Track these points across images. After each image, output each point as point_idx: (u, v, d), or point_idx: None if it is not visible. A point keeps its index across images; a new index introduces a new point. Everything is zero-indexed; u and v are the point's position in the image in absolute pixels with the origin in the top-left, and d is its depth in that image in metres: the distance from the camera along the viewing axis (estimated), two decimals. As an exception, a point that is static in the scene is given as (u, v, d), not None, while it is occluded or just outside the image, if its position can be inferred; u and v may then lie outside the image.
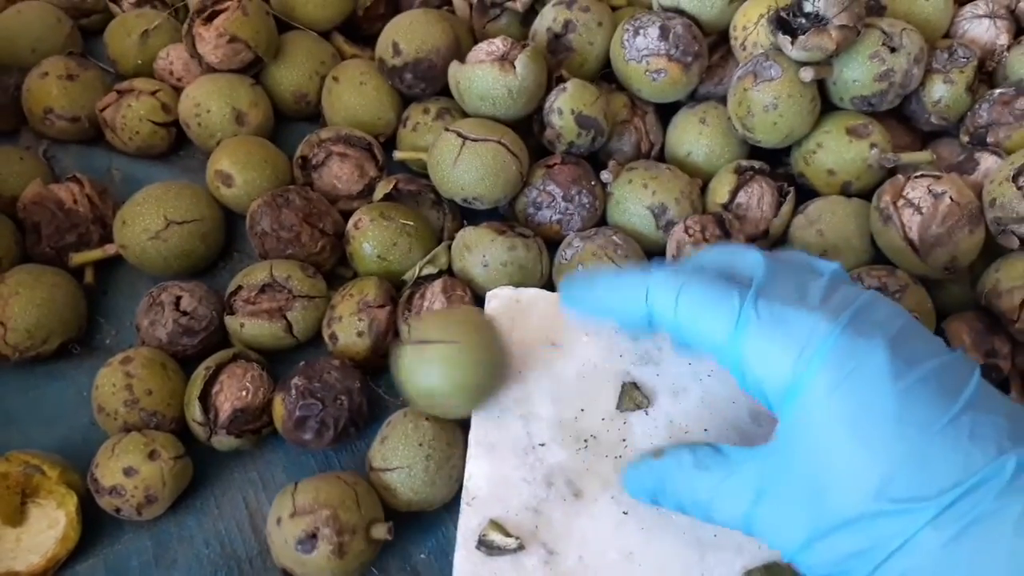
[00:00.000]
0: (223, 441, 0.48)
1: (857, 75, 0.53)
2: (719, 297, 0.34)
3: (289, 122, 0.64)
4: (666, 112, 0.60)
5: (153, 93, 0.60)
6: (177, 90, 0.61)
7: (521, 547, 0.43)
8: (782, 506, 0.33)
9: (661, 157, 0.60)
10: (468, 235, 0.54)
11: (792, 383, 0.31)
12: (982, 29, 0.58)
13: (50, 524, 0.47)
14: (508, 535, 0.43)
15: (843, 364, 0.30)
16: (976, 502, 0.29)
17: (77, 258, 0.55)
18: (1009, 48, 0.58)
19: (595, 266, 0.52)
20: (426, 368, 0.43)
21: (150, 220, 0.53)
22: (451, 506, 0.47)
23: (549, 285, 0.54)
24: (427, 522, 0.48)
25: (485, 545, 0.43)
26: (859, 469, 0.30)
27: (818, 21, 0.51)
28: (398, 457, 0.46)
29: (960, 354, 0.32)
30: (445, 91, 0.59)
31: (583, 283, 0.40)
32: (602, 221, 0.57)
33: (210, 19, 0.58)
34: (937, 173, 0.50)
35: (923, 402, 0.30)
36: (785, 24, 0.52)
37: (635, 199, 0.55)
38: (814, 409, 0.31)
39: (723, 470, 0.35)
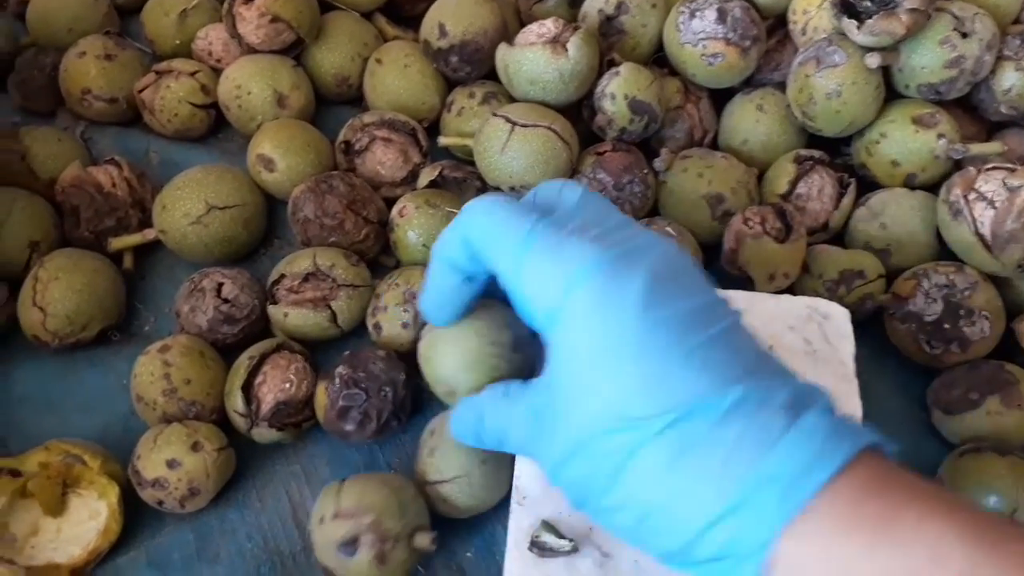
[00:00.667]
0: (264, 433, 0.47)
1: (926, 62, 0.51)
2: (517, 217, 0.34)
3: (330, 105, 0.62)
4: (719, 98, 0.58)
5: (192, 74, 0.59)
6: (216, 71, 0.60)
7: (575, 548, 0.42)
8: (545, 429, 0.34)
9: (714, 145, 0.58)
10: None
11: (555, 307, 0.32)
12: (1056, 14, 0.55)
13: (91, 515, 0.46)
14: (561, 536, 0.42)
15: (600, 291, 0.31)
16: (693, 427, 0.29)
17: (116, 243, 0.54)
18: (1084, 35, 0.55)
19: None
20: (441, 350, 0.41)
21: (191, 205, 0.52)
22: (498, 505, 0.45)
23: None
24: (473, 521, 0.47)
25: (538, 546, 0.42)
26: (597, 390, 0.31)
27: (885, 4, 0.49)
28: (453, 468, 0.44)
29: (725, 300, 0.33)
30: (491, 75, 0.57)
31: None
32: (654, 211, 0.55)
33: (251, -1, 0.57)
34: (1012, 165, 0.47)
35: (668, 331, 0.31)
36: (850, 8, 0.50)
37: (690, 188, 0.53)
38: (570, 333, 0.32)
39: (518, 397, 0.36)
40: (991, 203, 0.46)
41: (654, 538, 0.31)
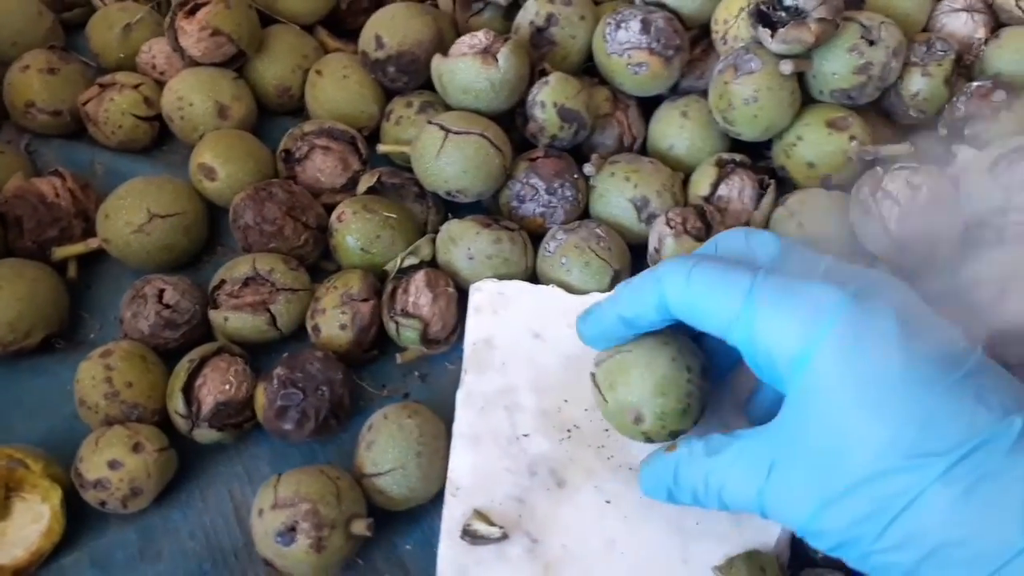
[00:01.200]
0: (205, 434, 0.48)
1: (836, 68, 0.53)
2: (730, 273, 0.34)
3: (272, 115, 0.64)
4: (649, 105, 0.60)
5: (136, 87, 0.60)
6: (160, 84, 0.61)
7: (505, 536, 0.44)
8: (793, 477, 0.33)
9: (644, 150, 0.60)
10: (453, 228, 0.54)
11: (802, 352, 0.32)
12: (960, 23, 0.59)
13: (34, 518, 0.47)
14: (492, 524, 0.44)
15: (852, 330, 0.31)
16: (984, 459, 0.29)
17: (60, 252, 0.55)
18: (986, 42, 0.58)
19: (580, 261, 0.52)
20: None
21: (133, 214, 0.53)
22: (436, 498, 0.47)
23: (533, 278, 0.55)
24: (412, 514, 0.48)
25: (469, 535, 0.43)
26: (867, 430, 0.31)
27: (797, 14, 0.52)
28: (389, 459, 0.46)
29: (961, 331, 0.33)
30: (428, 84, 0.59)
31: (595, 308, 0.41)
32: (585, 214, 0.57)
33: (192, 12, 0.58)
34: (915, 165, 0.50)
35: (929, 364, 0.30)
36: (765, 17, 0.53)
37: (617, 192, 0.55)
38: (823, 375, 0.31)
39: (733, 450, 0.36)
40: (896, 201, 0.49)
41: (941, 573, 0.30)
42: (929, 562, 0.30)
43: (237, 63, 0.61)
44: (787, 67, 0.52)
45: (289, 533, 0.43)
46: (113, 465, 0.45)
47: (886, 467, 0.30)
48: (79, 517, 0.47)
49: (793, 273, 0.34)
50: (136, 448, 0.46)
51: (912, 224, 0.48)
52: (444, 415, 0.49)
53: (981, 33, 0.59)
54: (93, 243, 0.55)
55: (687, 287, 0.35)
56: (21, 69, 0.60)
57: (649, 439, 0.42)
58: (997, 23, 0.60)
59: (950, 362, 0.31)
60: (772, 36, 0.51)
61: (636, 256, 0.55)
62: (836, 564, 0.44)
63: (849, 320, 0.31)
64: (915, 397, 0.30)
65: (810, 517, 0.33)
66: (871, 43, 0.53)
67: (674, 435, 0.41)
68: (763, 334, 0.33)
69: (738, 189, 0.55)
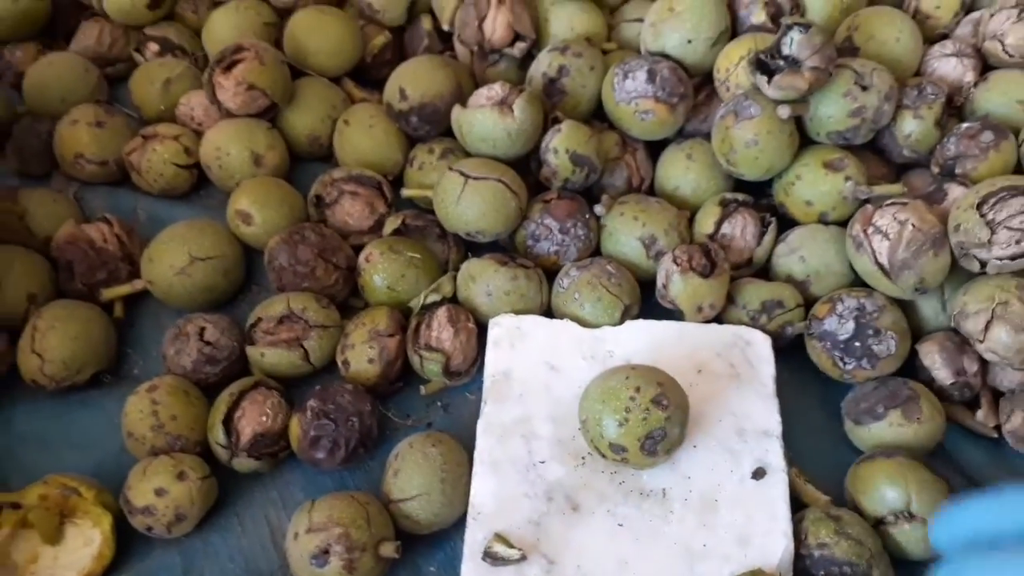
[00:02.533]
0: (243, 463, 0.51)
1: (832, 112, 0.57)
2: None
3: (304, 162, 0.68)
4: (656, 148, 0.64)
5: (176, 138, 0.64)
6: (198, 134, 0.65)
7: (524, 557, 0.46)
8: None
9: (652, 191, 0.63)
10: (472, 266, 0.58)
11: None
12: (950, 67, 0.62)
13: (86, 542, 0.50)
14: (511, 547, 0.47)
15: None
16: None
17: (108, 293, 0.59)
18: (975, 84, 0.61)
19: (592, 296, 0.55)
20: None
21: (175, 257, 0.57)
22: (459, 522, 0.50)
23: (548, 312, 0.58)
24: (436, 537, 0.51)
25: (490, 556, 0.46)
26: None
27: (793, 63, 0.55)
28: (414, 486, 0.49)
29: None
30: (449, 132, 0.63)
31: (956, 510, 0.36)
32: (596, 251, 0.60)
33: (229, 68, 0.63)
34: (905, 201, 0.53)
35: None
36: (764, 66, 0.56)
37: (626, 231, 0.58)
38: None
39: None
40: (885, 235, 0.52)
41: None
42: None
43: (270, 114, 0.65)
44: (784, 112, 0.55)
45: (323, 555, 0.46)
46: (159, 492, 0.49)
47: None
48: (127, 541, 0.51)
49: None
50: (180, 476, 0.49)
51: (900, 258, 0.51)
52: (466, 443, 0.52)
53: (970, 77, 0.62)
54: (138, 284, 0.59)
55: None
56: (71, 123, 0.65)
57: None
58: (985, 66, 0.63)
59: None
60: (769, 83, 0.55)
61: (645, 291, 0.58)
62: (838, 583, 0.47)
63: None
64: None
65: None
66: (864, 88, 0.56)
67: None
68: None
69: (741, 227, 0.58)
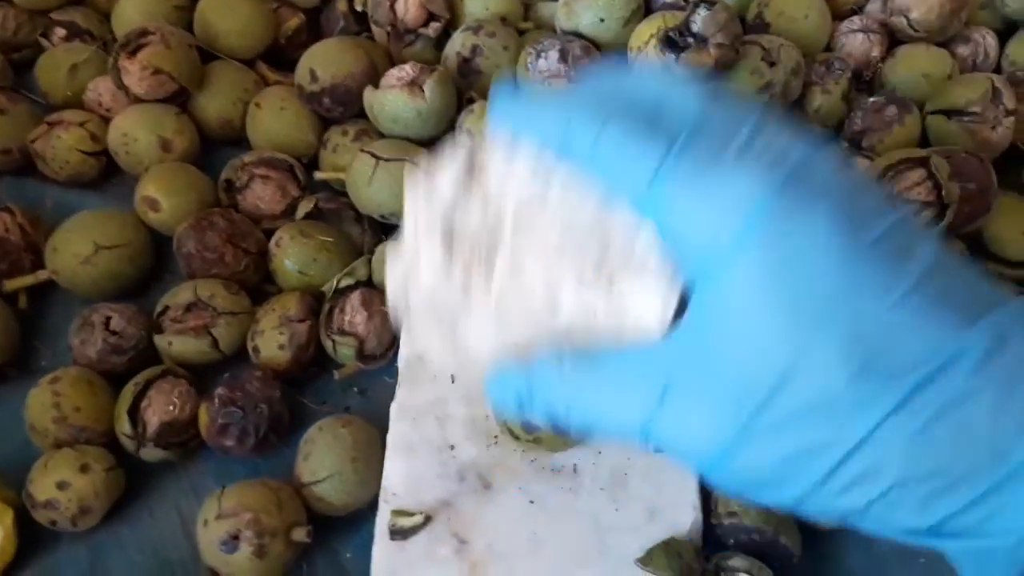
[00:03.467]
0: (151, 453, 0.50)
1: (741, 88, 0.57)
2: (643, 138, 0.27)
3: (217, 147, 0.66)
4: (572, 127, 0.64)
5: (82, 124, 0.63)
6: (106, 120, 0.64)
7: (427, 519, 0.47)
8: (697, 403, 0.27)
9: (568, 170, 0.63)
10: (387, 249, 0.57)
11: (715, 252, 0.26)
12: (857, 42, 0.63)
13: (-13, 539, 0.49)
14: (411, 514, 0.46)
15: (779, 230, 0.25)
16: (946, 384, 0.24)
17: (10, 284, 0.57)
18: (883, 59, 0.62)
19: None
20: None
21: (80, 246, 0.56)
22: (374, 504, 0.50)
23: (465, 293, 0.58)
24: (352, 521, 0.51)
25: (396, 533, 0.46)
26: (801, 352, 0.25)
27: (701, 41, 0.55)
28: (325, 467, 0.49)
29: (910, 213, 0.27)
30: (363, 114, 0.62)
31: (516, 97, 0.32)
32: (513, 231, 0.60)
33: (134, 53, 0.61)
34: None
35: (875, 270, 0.25)
36: (672, 43, 0.56)
37: (542, 210, 0.58)
38: (743, 283, 0.25)
39: (612, 367, 0.29)
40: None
41: (891, 514, 0.26)
42: (881, 502, 0.25)
43: (179, 99, 0.64)
44: (693, 89, 0.56)
45: (232, 541, 0.45)
46: (62, 486, 0.48)
47: (830, 395, 0.24)
48: (30, 537, 0.49)
49: (714, 143, 0.27)
50: (84, 469, 0.48)
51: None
52: (385, 427, 0.51)
53: (877, 52, 0.63)
54: (42, 275, 0.58)
55: (595, 144, 0.28)
56: (-29, 111, 0.63)
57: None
58: (893, 41, 0.64)
59: (900, 263, 0.25)
60: (677, 60, 0.55)
61: (561, 270, 0.58)
62: (746, 547, 0.47)
63: (774, 217, 0.25)
64: (862, 310, 0.24)
65: (722, 452, 0.27)
66: (771, 64, 0.57)
67: None
68: (671, 222, 0.27)
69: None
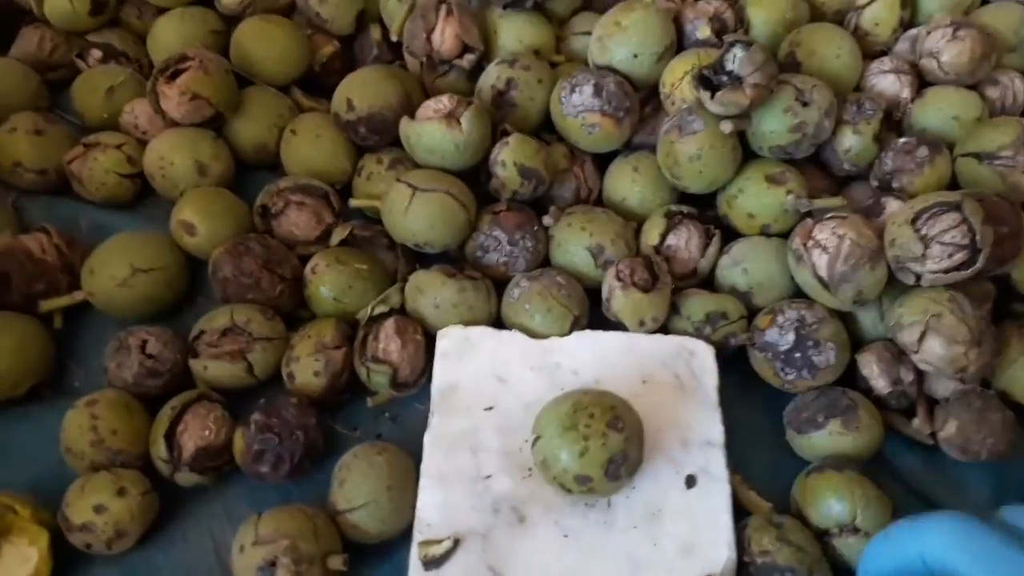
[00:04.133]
0: (186, 477, 0.51)
1: (773, 127, 0.58)
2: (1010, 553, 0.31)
3: (250, 172, 0.67)
4: (603, 160, 0.65)
5: (119, 147, 0.63)
6: (142, 143, 0.64)
7: (457, 541, 0.47)
8: None
9: (599, 202, 0.64)
10: (420, 278, 0.58)
11: None
12: (888, 83, 0.64)
13: (22, 561, 0.49)
14: (439, 541, 0.47)
15: None
16: None
17: (46, 305, 0.58)
18: (912, 100, 0.63)
19: (542, 307, 0.56)
20: None
21: (116, 268, 0.56)
22: (406, 532, 0.50)
23: (497, 323, 0.58)
24: (383, 549, 0.51)
25: (431, 563, 0.46)
26: None
27: (736, 79, 0.56)
28: (361, 495, 0.49)
29: None
30: (398, 142, 0.62)
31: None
32: (545, 262, 0.61)
33: (173, 78, 0.62)
34: (843, 215, 0.54)
35: None
36: (707, 81, 0.57)
37: (575, 241, 0.59)
38: None
39: None
40: (825, 249, 0.53)
41: None
42: None
43: (216, 123, 0.64)
44: (727, 127, 0.56)
45: (269, 568, 0.46)
46: (98, 509, 0.48)
47: None
48: (65, 560, 0.49)
49: None
50: (120, 492, 0.49)
51: (839, 271, 0.53)
52: (415, 454, 0.52)
53: (907, 93, 0.63)
54: (78, 296, 0.58)
55: (957, 552, 0.32)
56: (8, 131, 0.63)
57: None
58: (922, 82, 0.65)
59: None
60: (712, 99, 0.56)
61: (595, 298, 0.58)
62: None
63: None
64: None
65: None
66: (805, 104, 0.57)
67: None
68: None
69: (685, 238, 0.59)
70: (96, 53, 0.70)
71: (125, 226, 0.62)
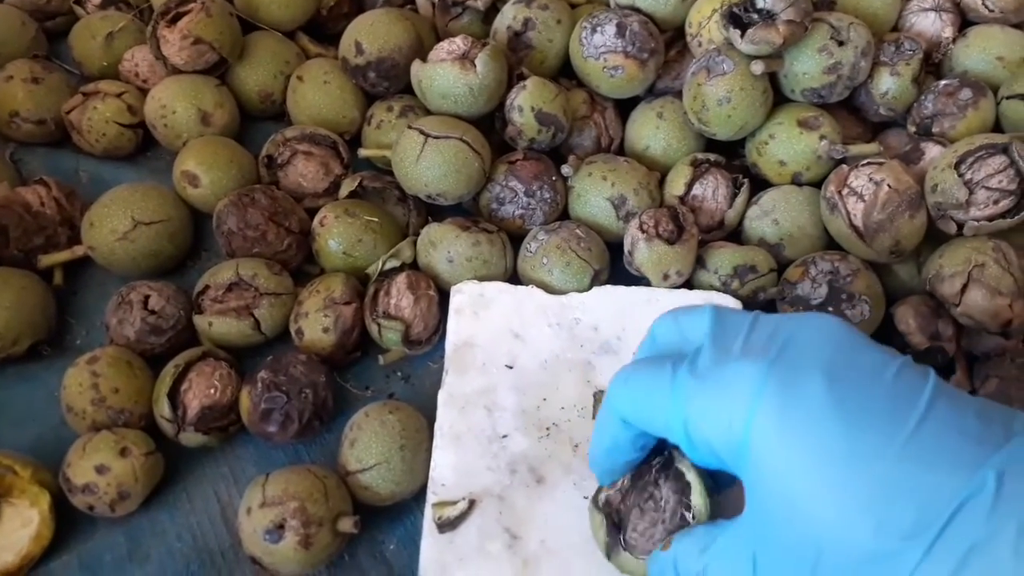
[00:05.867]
0: (191, 437, 0.49)
1: (807, 68, 0.54)
2: (656, 374, 0.32)
3: (255, 121, 0.64)
4: (625, 107, 0.61)
5: (119, 95, 0.61)
6: (143, 92, 0.62)
7: (471, 503, 0.45)
8: (777, 569, 0.30)
9: (621, 151, 0.61)
10: (433, 231, 0.55)
11: (739, 440, 0.29)
12: (928, 22, 0.60)
13: (23, 523, 0.47)
14: (454, 502, 0.45)
15: (779, 408, 0.27)
16: (965, 528, 0.25)
17: (46, 260, 0.56)
18: (954, 40, 0.60)
19: (561, 262, 0.53)
20: None
21: (118, 221, 0.54)
22: (419, 495, 0.48)
23: (513, 278, 0.56)
24: (396, 512, 0.49)
25: (445, 525, 0.44)
26: (828, 516, 0.27)
27: (767, 17, 0.53)
28: (373, 455, 0.47)
29: (908, 360, 0.29)
30: (409, 89, 0.60)
31: (591, 447, 0.40)
32: (564, 215, 0.58)
33: (174, 21, 0.59)
34: (880, 161, 0.51)
35: (873, 428, 0.26)
36: (737, 19, 0.53)
37: (595, 191, 0.56)
38: (766, 462, 0.28)
39: (719, 546, 0.33)
40: (861, 197, 0.50)
41: None
42: None
43: (219, 70, 0.62)
44: (758, 67, 0.53)
45: (277, 530, 0.44)
46: (100, 470, 0.46)
47: (862, 554, 0.26)
48: (67, 521, 0.48)
49: (719, 352, 0.31)
50: (123, 453, 0.47)
51: (876, 220, 0.50)
52: (428, 414, 0.49)
53: (949, 32, 0.60)
54: (79, 251, 0.56)
55: (629, 399, 0.34)
56: (4, 79, 0.61)
57: None
58: (964, 22, 0.61)
59: (898, 414, 0.27)
60: (742, 37, 0.52)
61: (616, 253, 0.56)
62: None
63: (774, 396, 0.27)
64: (867, 471, 0.26)
65: None
66: (840, 43, 0.54)
67: None
68: (696, 432, 0.30)
69: (712, 188, 0.56)
70: (95, -1, 0.68)
71: (126, 178, 0.60)
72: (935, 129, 0.56)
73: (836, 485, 0.26)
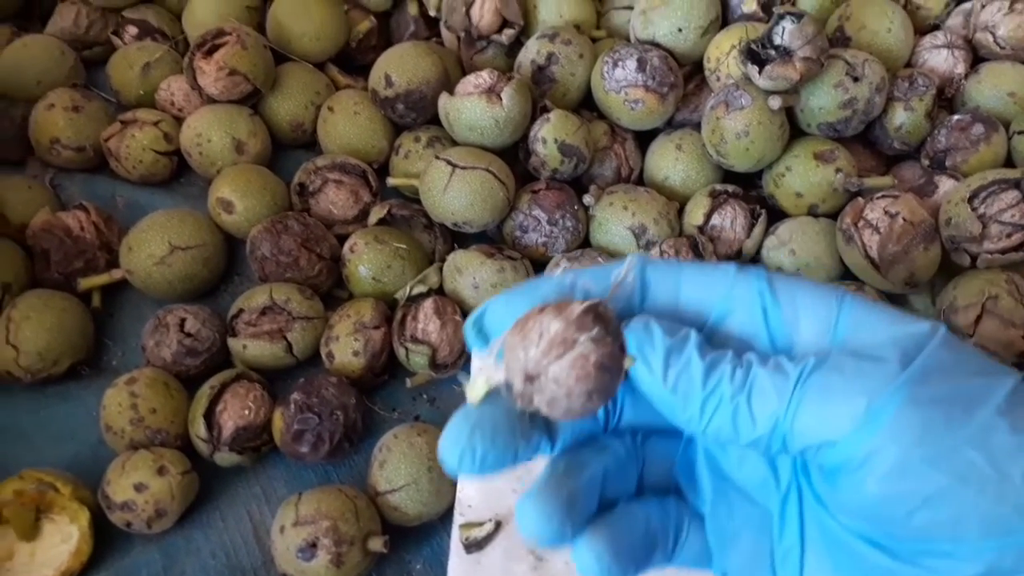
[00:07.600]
0: (225, 457, 0.50)
1: (823, 103, 0.56)
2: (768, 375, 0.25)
3: (286, 150, 0.66)
4: (645, 138, 0.63)
5: (155, 123, 0.63)
6: (178, 120, 0.64)
7: (499, 524, 0.46)
8: None
9: (640, 181, 0.63)
10: (459, 258, 0.57)
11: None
12: (941, 59, 0.61)
13: (63, 539, 0.49)
14: (480, 523, 0.46)
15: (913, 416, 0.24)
16: None
17: (85, 283, 0.58)
18: (966, 76, 0.61)
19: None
20: None
21: (155, 246, 0.56)
22: (446, 515, 0.49)
23: (535, 304, 0.57)
24: (422, 532, 0.51)
25: (472, 546, 0.46)
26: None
27: (785, 53, 0.54)
28: (402, 476, 0.48)
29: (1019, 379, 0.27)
30: (435, 120, 0.62)
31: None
32: (585, 243, 0.60)
33: (210, 53, 0.61)
34: (895, 194, 0.53)
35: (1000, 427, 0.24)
36: (755, 55, 0.55)
37: (616, 220, 0.58)
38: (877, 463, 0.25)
39: None
40: (876, 229, 0.52)
41: None
42: None
43: (252, 100, 0.64)
44: (775, 102, 0.55)
45: (310, 549, 0.45)
46: (139, 488, 0.48)
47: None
48: (105, 538, 0.50)
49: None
50: (161, 471, 0.48)
51: (891, 252, 0.51)
52: (452, 437, 0.51)
53: (961, 68, 0.61)
54: (117, 274, 0.58)
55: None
56: (46, 107, 0.63)
57: None
58: (976, 58, 0.63)
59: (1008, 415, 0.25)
60: (760, 73, 0.54)
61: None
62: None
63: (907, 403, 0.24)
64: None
65: None
66: (855, 79, 0.56)
67: None
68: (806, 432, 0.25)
69: (730, 219, 0.58)
70: (132, 30, 0.70)
71: (161, 204, 0.62)
72: (948, 163, 0.57)
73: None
